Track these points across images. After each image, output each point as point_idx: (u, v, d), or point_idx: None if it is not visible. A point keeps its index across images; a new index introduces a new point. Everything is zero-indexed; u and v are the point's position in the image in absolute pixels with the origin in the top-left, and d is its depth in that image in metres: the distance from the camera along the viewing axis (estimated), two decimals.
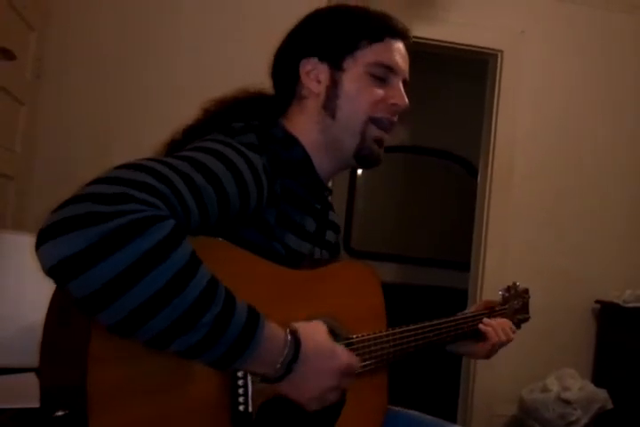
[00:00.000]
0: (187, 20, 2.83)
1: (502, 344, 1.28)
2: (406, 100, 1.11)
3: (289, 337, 0.83)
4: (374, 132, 1.10)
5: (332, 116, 1.08)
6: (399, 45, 1.12)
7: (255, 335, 0.78)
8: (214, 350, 0.75)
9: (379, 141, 1.11)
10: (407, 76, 1.13)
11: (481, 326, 1.26)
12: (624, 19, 3.32)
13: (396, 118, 1.12)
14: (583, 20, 3.30)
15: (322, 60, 1.09)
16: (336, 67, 1.09)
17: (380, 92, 1.09)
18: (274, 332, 0.82)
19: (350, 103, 1.08)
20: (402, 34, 1.13)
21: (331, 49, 1.09)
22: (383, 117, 1.09)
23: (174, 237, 0.72)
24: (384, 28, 1.11)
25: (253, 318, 0.79)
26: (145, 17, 2.80)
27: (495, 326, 1.27)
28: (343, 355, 0.91)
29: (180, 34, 2.82)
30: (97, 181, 0.74)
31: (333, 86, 1.08)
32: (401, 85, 1.12)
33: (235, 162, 0.90)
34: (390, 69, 1.10)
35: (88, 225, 0.68)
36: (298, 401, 0.87)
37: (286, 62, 1.12)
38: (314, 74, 1.09)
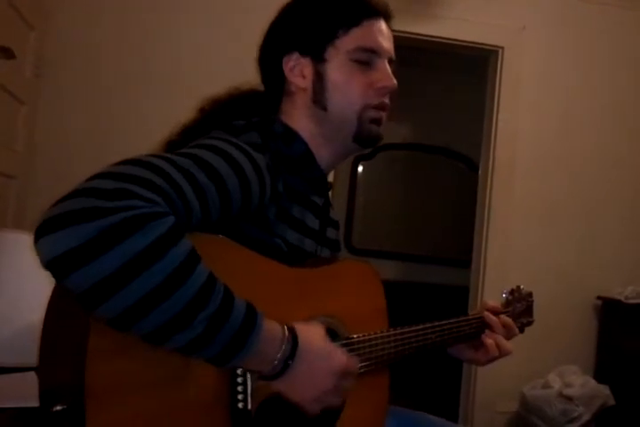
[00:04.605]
0: (186, 19, 2.83)
1: (500, 357, 1.25)
2: (394, 80, 1.09)
3: (287, 333, 0.83)
4: (371, 113, 1.08)
5: (324, 108, 1.07)
6: (379, 25, 1.09)
7: (253, 333, 0.78)
8: (211, 347, 0.75)
9: (376, 121, 1.09)
10: (392, 53, 1.11)
11: (484, 337, 1.24)
12: (625, 14, 3.31)
13: (387, 99, 1.10)
14: (584, 17, 3.28)
15: (303, 54, 1.07)
16: (318, 59, 1.07)
17: (365, 78, 1.07)
18: (272, 329, 0.82)
19: (339, 94, 1.06)
20: (380, 12, 1.10)
21: (309, 42, 1.07)
22: (376, 102, 1.08)
23: (174, 233, 0.72)
24: (360, 11, 1.08)
25: (251, 316, 0.79)
26: (145, 16, 2.80)
27: (499, 341, 1.23)
28: (341, 356, 0.90)
29: (180, 32, 2.82)
30: (97, 175, 0.74)
31: (318, 79, 1.07)
32: (387, 66, 1.09)
33: (237, 160, 0.90)
34: (373, 52, 1.07)
35: (87, 220, 0.68)
36: (296, 402, 0.87)
37: (269, 59, 1.11)
38: (298, 69, 1.08)
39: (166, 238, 0.71)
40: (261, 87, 1.16)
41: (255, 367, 0.83)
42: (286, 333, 0.83)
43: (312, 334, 0.88)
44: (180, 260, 0.72)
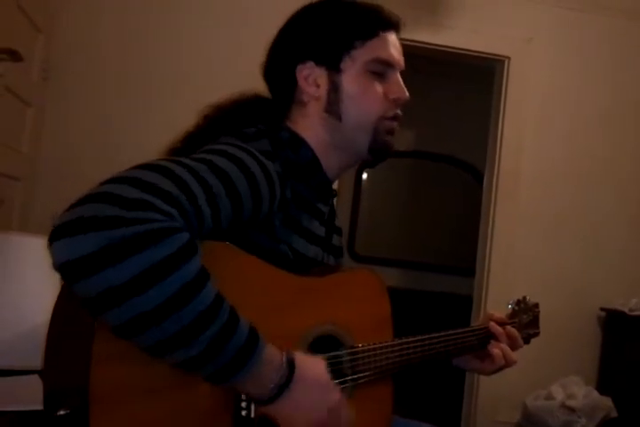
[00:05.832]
0: (189, 23, 2.85)
1: (505, 367, 1.25)
2: (407, 92, 1.10)
3: (284, 359, 0.83)
4: (386, 125, 1.10)
5: (339, 118, 1.08)
6: (392, 37, 1.11)
7: (253, 355, 0.78)
8: (211, 365, 0.76)
9: (390, 131, 1.11)
10: (403, 65, 1.12)
11: (491, 347, 1.23)
12: (631, 26, 3.31)
13: (399, 110, 1.11)
14: (590, 28, 3.29)
15: (318, 63, 1.07)
16: (334, 69, 1.07)
17: (380, 89, 1.08)
18: (271, 355, 0.81)
19: (355, 104, 1.07)
20: (393, 25, 1.11)
21: (326, 52, 1.07)
22: (391, 113, 1.10)
23: (187, 250, 0.73)
24: (376, 23, 1.09)
25: (253, 340, 0.79)
26: (149, 20, 2.82)
27: (505, 350, 1.23)
28: (337, 391, 0.89)
29: (183, 36, 2.84)
30: (116, 180, 0.75)
31: (334, 89, 1.07)
32: (399, 78, 1.11)
33: (249, 166, 0.90)
34: (388, 64, 1.09)
35: (105, 228, 0.68)
36: None
37: (281, 67, 1.11)
38: (312, 79, 1.08)
39: (180, 254, 0.72)
40: (266, 93, 1.15)
41: (251, 390, 0.82)
42: (284, 360, 0.83)
43: (310, 366, 0.86)
44: (191, 277, 0.72)
